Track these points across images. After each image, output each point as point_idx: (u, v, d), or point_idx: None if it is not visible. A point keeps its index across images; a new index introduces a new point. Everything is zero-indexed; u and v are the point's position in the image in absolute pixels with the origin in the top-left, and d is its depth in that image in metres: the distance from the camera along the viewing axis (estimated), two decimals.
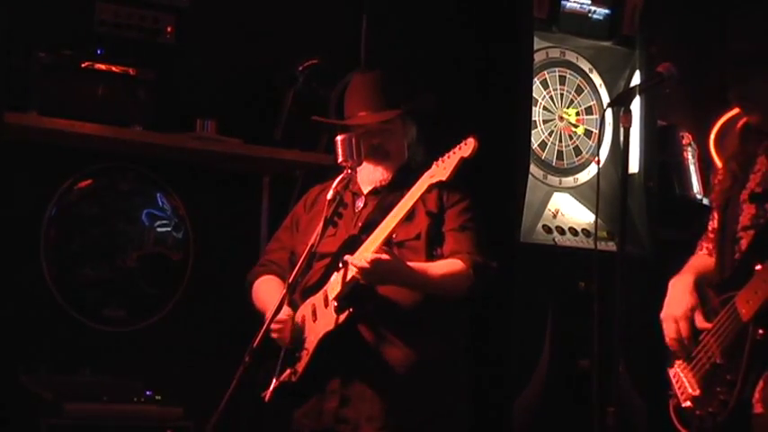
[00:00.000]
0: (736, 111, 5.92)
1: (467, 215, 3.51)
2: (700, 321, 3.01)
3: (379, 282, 3.35)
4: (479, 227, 3.52)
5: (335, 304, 3.36)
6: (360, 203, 3.61)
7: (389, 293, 3.42)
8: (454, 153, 3.23)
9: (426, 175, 3.27)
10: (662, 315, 3.11)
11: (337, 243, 3.51)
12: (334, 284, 3.40)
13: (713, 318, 2.97)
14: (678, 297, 3.09)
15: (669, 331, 3.07)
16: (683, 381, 3.02)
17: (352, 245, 3.43)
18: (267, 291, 3.62)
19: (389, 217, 3.37)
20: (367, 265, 3.24)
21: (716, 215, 3.16)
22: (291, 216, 3.80)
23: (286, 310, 3.44)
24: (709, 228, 3.22)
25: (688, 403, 2.99)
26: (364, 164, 3.57)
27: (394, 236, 3.42)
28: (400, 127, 3.62)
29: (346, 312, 3.34)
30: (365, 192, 3.62)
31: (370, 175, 3.60)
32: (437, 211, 3.49)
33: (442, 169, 3.23)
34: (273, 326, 3.42)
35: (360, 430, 3.40)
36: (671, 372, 3.10)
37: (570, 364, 4.78)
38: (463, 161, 3.20)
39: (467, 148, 3.20)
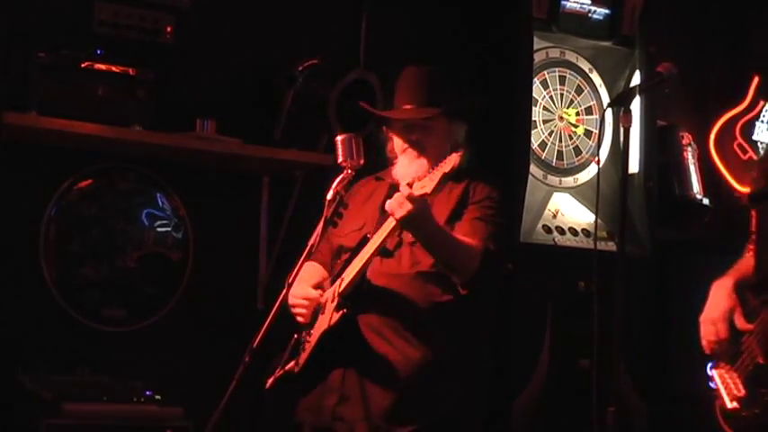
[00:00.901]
0: (736, 111, 5.96)
1: (488, 210, 3.50)
2: (741, 323, 3.02)
3: (415, 226, 3.30)
4: (499, 224, 3.50)
5: (338, 302, 3.37)
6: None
7: (400, 298, 3.41)
8: (439, 167, 3.23)
9: (417, 185, 3.26)
10: (701, 318, 3.12)
11: (358, 238, 3.51)
12: (341, 281, 3.42)
13: (754, 319, 2.98)
14: (717, 300, 3.11)
15: (707, 334, 3.08)
16: (728, 382, 3.03)
17: (363, 245, 3.44)
18: (303, 273, 3.58)
19: (384, 226, 3.35)
20: (407, 209, 3.21)
21: (753, 215, 3.16)
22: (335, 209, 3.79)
23: (311, 291, 3.47)
24: (751, 230, 3.23)
25: (734, 404, 3.00)
26: (401, 158, 3.59)
27: (405, 235, 3.43)
28: (444, 125, 3.59)
29: (340, 313, 3.34)
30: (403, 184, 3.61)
31: (405, 170, 3.58)
32: (454, 207, 3.49)
33: (429, 181, 3.23)
34: (298, 301, 3.46)
35: (355, 430, 3.39)
36: (715, 372, 3.11)
37: (570, 364, 4.78)
38: (445, 176, 3.20)
39: (448, 163, 3.20)
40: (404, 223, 3.27)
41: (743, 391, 2.98)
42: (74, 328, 4.47)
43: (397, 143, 3.63)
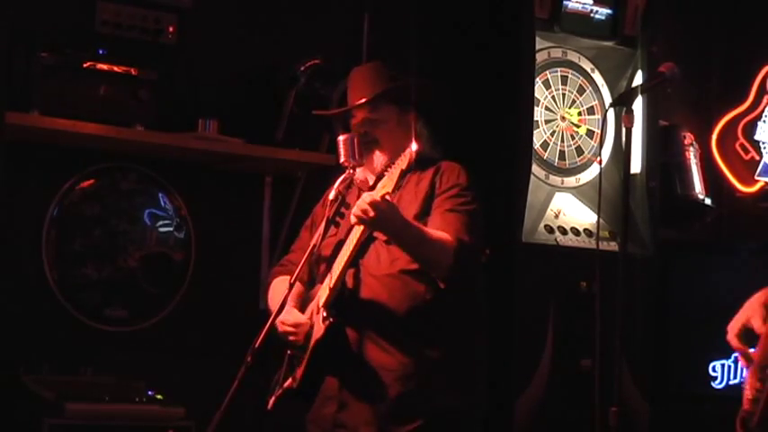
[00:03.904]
0: (738, 111, 5.96)
1: (458, 199, 3.43)
2: (758, 325, 3.02)
3: (384, 229, 3.29)
4: (473, 212, 3.44)
5: (324, 313, 3.35)
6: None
7: (384, 300, 3.39)
8: (396, 165, 3.20)
9: (379, 186, 3.24)
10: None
11: (333, 245, 3.49)
12: (323, 291, 3.39)
13: None
14: (742, 309, 3.12)
15: (731, 341, 3.09)
16: (747, 384, 3.04)
17: (340, 250, 3.42)
18: (280, 291, 3.59)
19: (353, 233, 3.33)
20: (371, 215, 3.19)
21: None
22: (312, 215, 3.78)
23: (301, 317, 3.44)
24: None
25: (747, 406, 3.01)
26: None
27: (378, 233, 3.40)
28: (394, 115, 3.56)
29: (326, 323, 3.31)
30: (370, 184, 3.58)
31: (366, 167, 3.55)
32: (424, 198, 3.45)
33: (388, 180, 3.20)
34: (289, 329, 3.43)
35: None
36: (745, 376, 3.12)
37: (572, 364, 4.79)
38: (403, 173, 3.18)
39: (404, 159, 3.17)
40: (371, 227, 3.27)
41: (754, 393, 2.98)
42: (76, 328, 4.48)
43: None
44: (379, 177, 3.50)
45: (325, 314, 3.33)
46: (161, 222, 4.70)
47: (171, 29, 4.59)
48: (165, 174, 4.70)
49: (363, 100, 3.55)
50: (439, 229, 3.37)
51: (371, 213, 3.19)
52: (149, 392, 4.18)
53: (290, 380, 3.46)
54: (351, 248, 3.33)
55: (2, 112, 4.01)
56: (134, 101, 4.38)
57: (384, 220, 3.23)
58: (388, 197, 3.21)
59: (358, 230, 3.31)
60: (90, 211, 4.56)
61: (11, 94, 4.12)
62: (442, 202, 3.44)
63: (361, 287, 3.41)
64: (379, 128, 3.55)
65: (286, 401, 3.49)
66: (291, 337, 3.44)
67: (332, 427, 3.41)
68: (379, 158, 3.53)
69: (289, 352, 3.50)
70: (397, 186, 3.22)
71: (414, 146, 3.17)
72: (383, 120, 3.56)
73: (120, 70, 4.37)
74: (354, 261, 3.38)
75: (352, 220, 3.26)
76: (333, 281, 3.34)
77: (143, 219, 4.66)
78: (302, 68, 4.70)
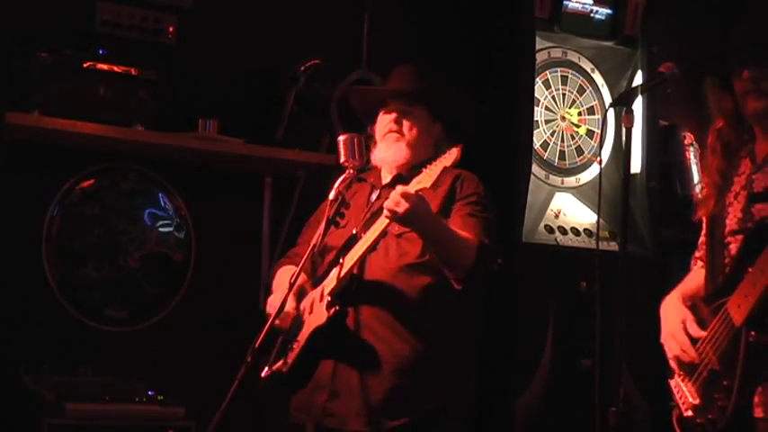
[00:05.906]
0: None
1: (476, 207, 3.49)
2: (694, 330, 2.99)
3: (414, 223, 3.30)
4: (491, 219, 3.50)
5: (328, 299, 3.37)
6: (374, 195, 3.62)
7: (390, 293, 3.41)
8: (439, 162, 3.23)
9: (414, 181, 3.27)
10: (662, 339, 3.10)
11: (344, 237, 3.50)
12: (330, 280, 3.41)
13: (708, 326, 2.96)
14: (669, 315, 3.09)
15: (672, 349, 3.05)
16: (683, 390, 3.01)
17: (352, 243, 3.43)
18: (282, 279, 3.60)
19: (376, 224, 3.35)
20: (403, 207, 3.21)
21: (704, 226, 3.15)
22: (317, 210, 3.79)
23: (291, 304, 3.45)
24: (700, 241, 3.21)
25: (689, 413, 2.97)
26: (380, 144, 3.60)
27: (391, 228, 3.42)
28: (426, 117, 3.62)
29: (332, 310, 3.34)
30: (383, 182, 3.61)
31: (384, 154, 3.59)
32: (442, 202, 3.48)
33: (427, 176, 3.23)
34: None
35: (347, 425, 3.39)
36: (671, 383, 3.08)
37: (572, 364, 4.79)
38: (446, 170, 3.22)
39: (449, 157, 3.21)
40: (402, 221, 3.28)
41: (698, 399, 2.95)
42: (76, 328, 4.48)
43: (379, 129, 3.64)
44: (398, 175, 3.53)
45: (329, 300, 3.35)
46: (161, 222, 4.70)
47: (171, 29, 4.59)
48: (165, 174, 4.70)
49: (417, 85, 3.60)
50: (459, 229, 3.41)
51: (404, 206, 3.20)
52: (149, 392, 4.18)
53: (280, 362, 3.46)
54: (369, 242, 3.34)
55: (2, 112, 4.01)
56: (134, 101, 4.38)
57: (415, 214, 3.24)
58: (422, 193, 3.23)
59: (380, 226, 3.31)
60: (90, 211, 4.56)
61: (11, 94, 4.13)
62: (462, 207, 3.49)
63: (369, 279, 3.43)
64: (411, 121, 3.60)
65: (275, 385, 3.48)
66: (278, 322, 3.43)
67: (321, 416, 3.42)
68: (401, 151, 3.57)
69: (282, 336, 3.50)
70: (436, 184, 3.24)
71: (459, 145, 3.21)
72: (417, 116, 3.62)
73: (119, 70, 4.37)
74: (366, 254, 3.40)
75: (384, 213, 3.27)
76: (343, 271, 3.36)
77: (143, 219, 4.66)
78: (302, 68, 4.70)
